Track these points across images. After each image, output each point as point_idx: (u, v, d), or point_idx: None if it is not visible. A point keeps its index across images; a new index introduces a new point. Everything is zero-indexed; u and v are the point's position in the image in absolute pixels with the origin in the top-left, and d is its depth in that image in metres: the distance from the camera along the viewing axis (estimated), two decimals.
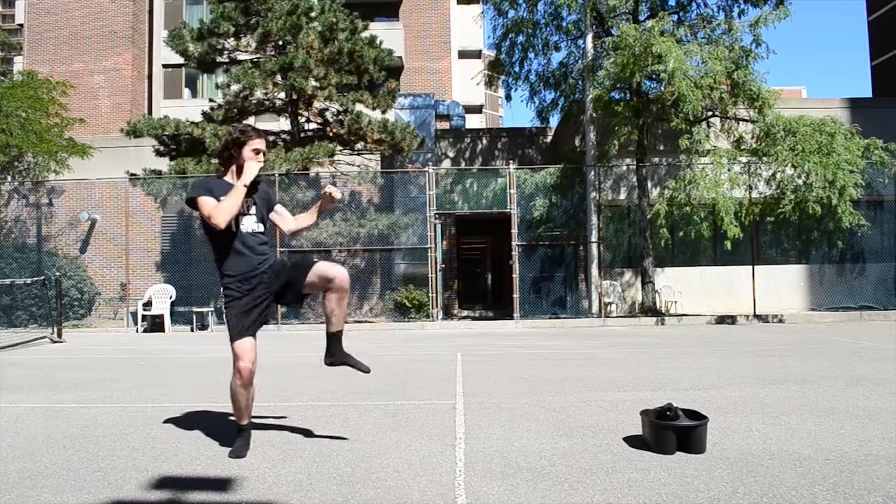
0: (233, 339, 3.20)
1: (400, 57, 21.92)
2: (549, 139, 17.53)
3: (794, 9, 13.18)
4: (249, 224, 3.29)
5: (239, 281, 3.24)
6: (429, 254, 13.19)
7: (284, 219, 3.51)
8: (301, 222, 3.54)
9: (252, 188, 3.25)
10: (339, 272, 3.26)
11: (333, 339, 3.39)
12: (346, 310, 3.39)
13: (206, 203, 3.16)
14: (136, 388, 5.50)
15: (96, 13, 23.32)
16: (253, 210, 3.31)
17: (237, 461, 3.14)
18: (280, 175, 12.96)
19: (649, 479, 2.79)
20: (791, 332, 10.21)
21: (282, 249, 13.27)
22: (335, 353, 3.40)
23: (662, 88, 12.35)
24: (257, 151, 3.28)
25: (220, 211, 3.13)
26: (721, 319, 12.61)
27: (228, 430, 3.81)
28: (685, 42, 12.98)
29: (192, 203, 3.21)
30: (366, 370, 3.40)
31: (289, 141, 13.94)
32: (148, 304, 13.11)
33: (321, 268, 3.27)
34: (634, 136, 13.22)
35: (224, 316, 3.31)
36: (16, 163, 14.97)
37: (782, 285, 14.38)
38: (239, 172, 3.27)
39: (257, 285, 3.26)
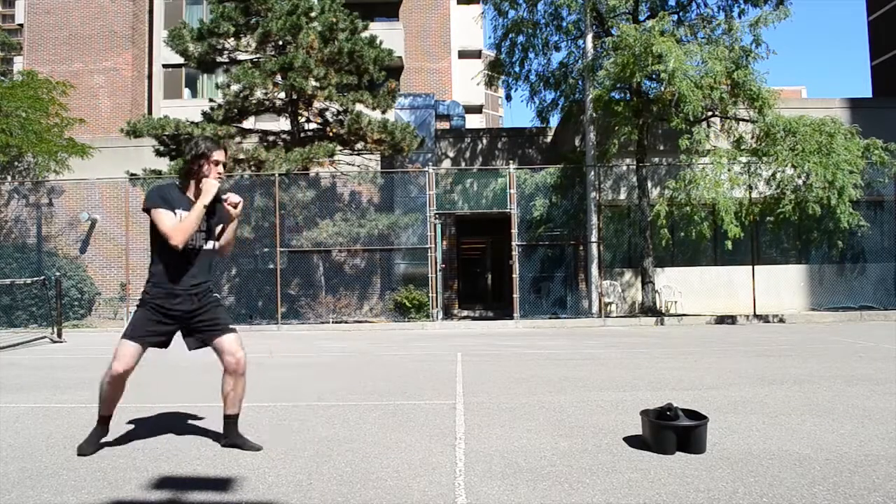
0: (123, 336, 3.20)
1: (400, 57, 21.93)
2: (549, 139, 17.53)
3: (794, 9, 13.26)
4: (198, 240, 3.25)
5: (163, 296, 3.20)
6: (429, 254, 13.19)
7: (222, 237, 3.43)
8: (223, 240, 3.42)
9: (211, 206, 3.20)
10: (238, 355, 3.26)
11: (227, 421, 3.38)
12: (241, 392, 3.37)
13: (165, 219, 3.12)
14: (135, 389, 5.49)
15: (96, 13, 23.33)
16: (205, 226, 3.26)
17: (238, 461, 3.14)
18: (280, 175, 12.96)
19: (649, 479, 2.80)
20: (791, 332, 10.20)
21: (282, 249, 13.27)
22: (228, 435, 3.38)
23: (662, 88, 12.35)
24: (217, 163, 3.23)
25: (178, 230, 3.10)
26: (721, 319, 12.61)
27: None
28: (685, 42, 12.98)
29: (148, 213, 3.17)
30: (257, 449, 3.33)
31: (289, 141, 13.94)
32: None
33: (229, 342, 3.26)
34: (634, 136, 13.21)
35: (133, 312, 3.31)
36: (16, 163, 14.98)
37: (782, 285, 14.39)
38: (198, 187, 3.21)
39: (179, 302, 3.21)
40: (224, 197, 3.28)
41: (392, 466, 3.03)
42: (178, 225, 3.11)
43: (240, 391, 3.35)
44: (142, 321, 3.22)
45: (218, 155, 3.23)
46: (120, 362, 3.16)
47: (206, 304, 3.28)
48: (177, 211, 3.15)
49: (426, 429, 3.77)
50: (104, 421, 3.34)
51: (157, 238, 3.19)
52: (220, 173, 3.25)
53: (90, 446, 3.28)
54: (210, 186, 3.18)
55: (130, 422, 4.09)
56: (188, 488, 2.77)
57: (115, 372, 3.17)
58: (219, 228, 3.35)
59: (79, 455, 3.24)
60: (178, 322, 3.26)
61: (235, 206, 3.30)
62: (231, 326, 3.34)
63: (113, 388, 3.24)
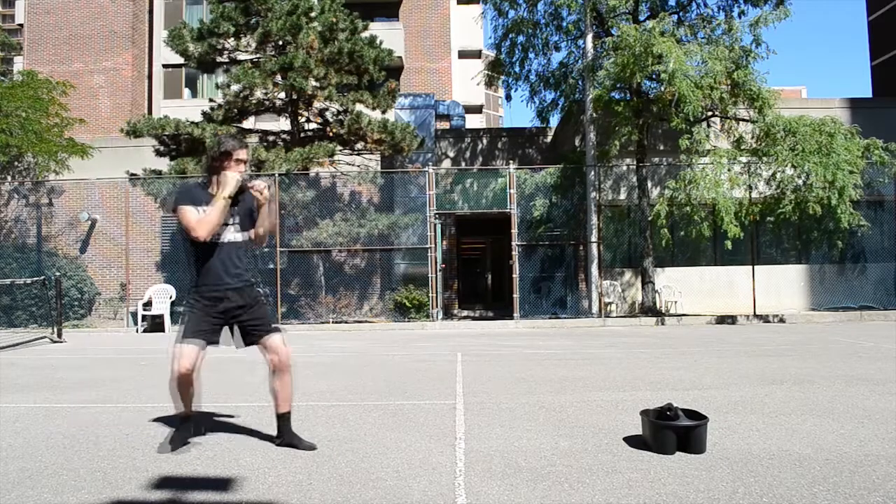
0: (178, 339, 3.23)
1: (400, 57, 21.92)
2: (549, 139, 17.53)
3: (794, 9, 13.25)
4: (228, 234, 3.31)
5: (206, 295, 3.26)
6: (429, 254, 13.19)
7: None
8: (257, 227, 3.44)
9: (235, 198, 3.26)
10: (283, 352, 3.32)
11: (280, 420, 3.41)
12: (289, 391, 3.39)
13: (188, 214, 3.19)
14: (136, 388, 5.50)
15: (96, 13, 23.33)
16: (235, 220, 3.32)
17: (238, 460, 3.14)
18: (280, 175, 12.96)
19: (649, 479, 2.80)
20: (791, 332, 10.20)
21: (282, 249, 13.27)
22: (282, 434, 3.42)
23: (663, 88, 12.35)
24: (239, 161, 3.28)
25: (201, 224, 3.17)
26: (721, 319, 12.61)
27: (229, 429, 3.82)
28: (685, 42, 12.98)
29: (175, 211, 3.24)
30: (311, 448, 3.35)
31: (289, 141, 13.94)
32: (148, 304, 13.11)
33: (274, 340, 3.33)
34: (634, 136, 13.21)
35: (181, 318, 3.35)
36: (16, 163, 14.97)
37: (782, 285, 14.39)
38: (220, 183, 3.27)
39: (223, 299, 3.27)
40: (250, 185, 3.30)
41: (392, 466, 3.03)
42: (201, 218, 3.18)
43: (287, 388, 3.37)
44: (192, 321, 3.26)
45: (241, 153, 3.30)
46: (182, 361, 3.18)
47: (251, 302, 3.35)
48: (201, 208, 3.22)
49: (426, 429, 3.77)
50: (185, 419, 3.39)
51: (189, 240, 3.26)
52: (241, 172, 3.30)
53: (177, 443, 3.31)
54: (229, 179, 3.23)
55: (131, 421, 4.09)
56: (188, 488, 2.77)
57: (178, 371, 3.18)
58: (250, 219, 3.41)
59: (158, 452, 3.26)
60: (225, 317, 3.31)
61: (262, 192, 3.32)
62: (276, 326, 3.41)
63: (182, 388, 3.27)
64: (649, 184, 14.05)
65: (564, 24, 14.84)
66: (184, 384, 3.25)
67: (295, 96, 13.44)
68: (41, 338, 10.70)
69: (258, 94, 13.42)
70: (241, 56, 13.93)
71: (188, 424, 3.43)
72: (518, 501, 2.55)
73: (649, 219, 13.23)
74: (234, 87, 13.42)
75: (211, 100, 14.42)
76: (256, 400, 4.66)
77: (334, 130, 13.73)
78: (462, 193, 15.23)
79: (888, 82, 26.87)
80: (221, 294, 3.28)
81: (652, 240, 13.39)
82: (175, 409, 3.39)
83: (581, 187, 14.07)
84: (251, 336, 3.35)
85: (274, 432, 3.50)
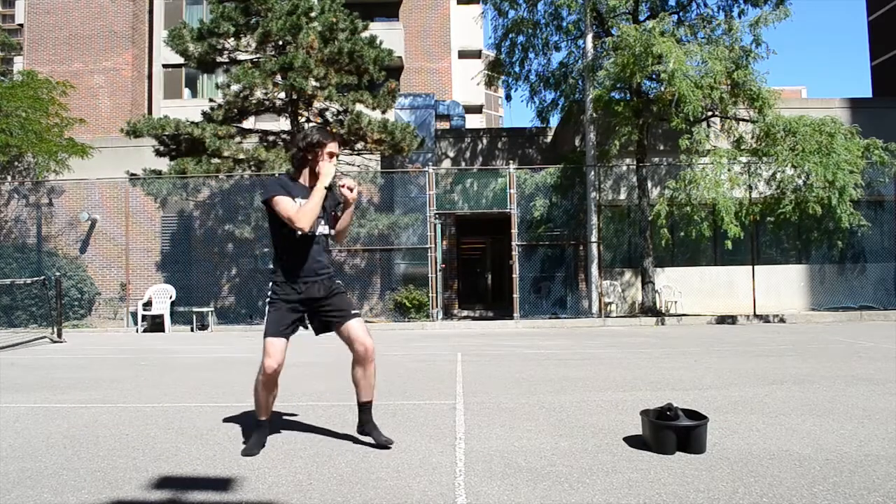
0: (266, 335, 3.23)
1: (400, 57, 21.92)
2: (549, 139, 17.53)
3: (794, 9, 13.24)
4: (317, 226, 3.30)
5: (292, 283, 3.27)
6: (429, 254, 13.19)
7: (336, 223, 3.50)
8: (339, 225, 3.50)
9: (328, 190, 3.26)
10: (366, 342, 3.29)
11: (362, 409, 3.42)
12: (372, 380, 3.38)
13: (287, 204, 3.16)
14: (136, 388, 5.50)
15: (96, 13, 23.33)
16: (323, 213, 3.32)
17: (238, 461, 3.14)
18: (280, 175, 12.94)
19: (649, 479, 2.79)
20: (791, 332, 10.20)
21: None
22: (364, 423, 3.43)
23: (663, 88, 12.35)
24: (332, 155, 3.28)
25: (303, 213, 3.14)
26: (721, 319, 12.61)
27: (229, 429, 3.82)
28: (685, 42, 12.98)
29: (269, 202, 3.20)
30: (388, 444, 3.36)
31: (289, 141, 13.94)
32: (148, 304, 13.11)
33: (355, 328, 3.30)
34: (634, 136, 13.21)
35: (266, 311, 3.33)
36: (16, 163, 14.98)
37: (782, 285, 14.39)
38: (312, 175, 3.27)
39: (305, 290, 3.28)
40: (340, 183, 3.30)
41: (392, 466, 3.03)
42: (301, 208, 3.15)
43: (370, 378, 3.36)
44: (277, 317, 3.26)
45: (332, 146, 3.28)
46: (272, 358, 3.18)
47: (332, 293, 3.35)
48: (295, 199, 3.20)
49: (426, 429, 3.77)
50: (262, 423, 3.36)
51: (279, 229, 3.24)
52: (335, 163, 3.30)
53: (256, 447, 3.28)
54: (329, 169, 3.22)
55: (131, 421, 4.09)
56: (188, 488, 2.77)
57: (268, 368, 3.18)
58: (332, 215, 3.42)
59: (244, 455, 3.22)
60: (307, 308, 3.32)
61: (351, 190, 3.31)
62: (355, 312, 3.38)
63: (267, 389, 3.26)
64: (649, 184, 14.04)
65: (564, 24, 14.85)
66: (271, 382, 3.24)
67: (295, 96, 13.43)
68: (41, 338, 10.70)
69: (258, 94, 13.41)
70: (241, 56, 13.93)
71: (265, 426, 3.38)
72: (518, 501, 2.55)
73: (649, 219, 13.23)
74: (234, 87, 13.42)
75: (211, 100, 14.42)
76: (247, 400, 4.65)
77: (334, 130, 13.72)
78: (462, 193, 15.23)
79: (888, 82, 26.87)
80: (307, 286, 3.27)
81: (652, 240, 13.40)
82: (257, 413, 3.35)
83: (581, 187, 14.07)
84: (330, 324, 3.34)
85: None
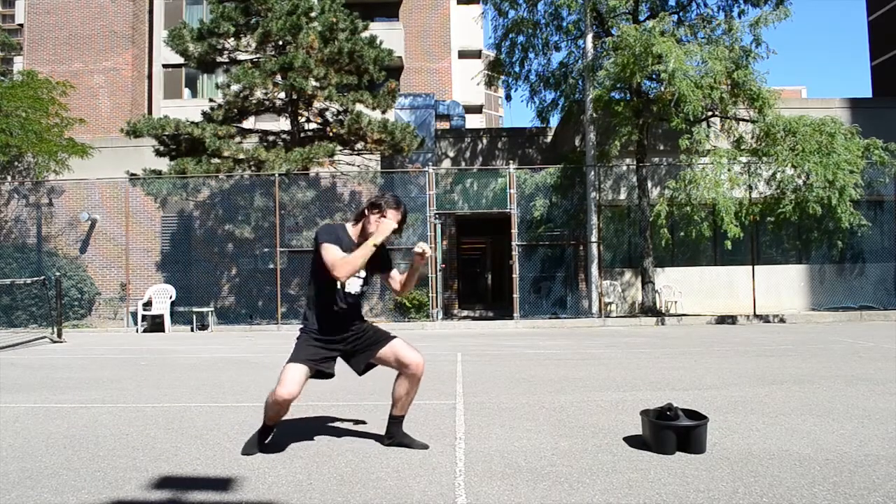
0: (290, 360, 3.22)
1: (400, 57, 21.92)
2: (549, 139, 17.53)
3: (794, 9, 13.21)
4: (353, 284, 3.30)
5: (318, 335, 3.28)
6: None
7: (396, 281, 3.46)
8: (405, 281, 3.45)
9: (376, 250, 3.23)
10: (416, 358, 3.29)
11: (393, 422, 3.42)
12: (412, 399, 3.39)
13: (333, 252, 3.14)
14: (136, 388, 5.50)
15: (96, 13, 23.33)
16: (363, 272, 3.31)
17: (238, 461, 3.14)
18: (280, 175, 12.96)
19: (649, 479, 2.80)
20: (791, 332, 10.20)
21: (282, 249, 13.28)
22: (394, 435, 3.43)
23: (663, 88, 12.35)
24: (386, 216, 3.23)
25: (344, 263, 3.11)
26: (721, 319, 12.61)
27: (229, 429, 3.82)
28: (685, 42, 12.98)
29: (318, 247, 3.21)
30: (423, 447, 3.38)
31: (289, 141, 13.94)
32: (148, 304, 13.11)
33: (399, 347, 3.30)
34: (634, 136, 13.21)
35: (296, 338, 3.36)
36: (16, 163, 14.97)
37: (782, 285, 14.38)
38: (364, 231, 3.24)
39: (334, 342, 3.29)
40: (418, 251, 3.20)
41: (392, 466, 3.03)
42: (346, 259, 3.13)
43: (413, 396, 3.38)
44: (303, 345, 3.27)
45: (391, 214, 3.22)
46: (285, 388, 3.13)
47: (362, 334, 3.36)
48: (343, 249, 3.19)
49: (426, 429, 3.77)
50: (267, 427, 3.36)
51: (320, 275, 3.23)
52: (393, 226, 3.24)
53: (256, 447, 3.30)
54: (386, 227, 3.18)
55: (131, 421, 4.09)
56: (188, 488, 2.77)
57: (279, 397, 3.13)
58: (373, 265, 3.36)
59: (244, 455, 3.24)
60: (338, 346, 3.32)
61: (422, 256, 3.23)
62: (392, 334, 3.38)
63: (277, 410, 3.24)
64: (649, 184, 14.04)
65: (564, 24, 14.85)
66: (282, 408, 3.20)
67: (295, 96, 13.44)
68: (41, 338, 10.70)
69: (258, 94, 13.42)
70: (241, 56, 13.93)
71: (269, 430, 3.38)
72: (518, 501, 2.55)
73: (649, 219, 13.23)
74: (234, 87, 13.42)
75: (211, 100, 14.42)
76: (255, 400, 4.66)
77: (334, 130, 13.73)
78: (462, 193, 15.23)
79: (888, 82, 26.87)
80: (339, 338, 3.30)
81: (652, 240, 13.39)
82: (265, 419, 3.33)
83: (581, 187, 14.06)
84: (369, 352, 3.33)
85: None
